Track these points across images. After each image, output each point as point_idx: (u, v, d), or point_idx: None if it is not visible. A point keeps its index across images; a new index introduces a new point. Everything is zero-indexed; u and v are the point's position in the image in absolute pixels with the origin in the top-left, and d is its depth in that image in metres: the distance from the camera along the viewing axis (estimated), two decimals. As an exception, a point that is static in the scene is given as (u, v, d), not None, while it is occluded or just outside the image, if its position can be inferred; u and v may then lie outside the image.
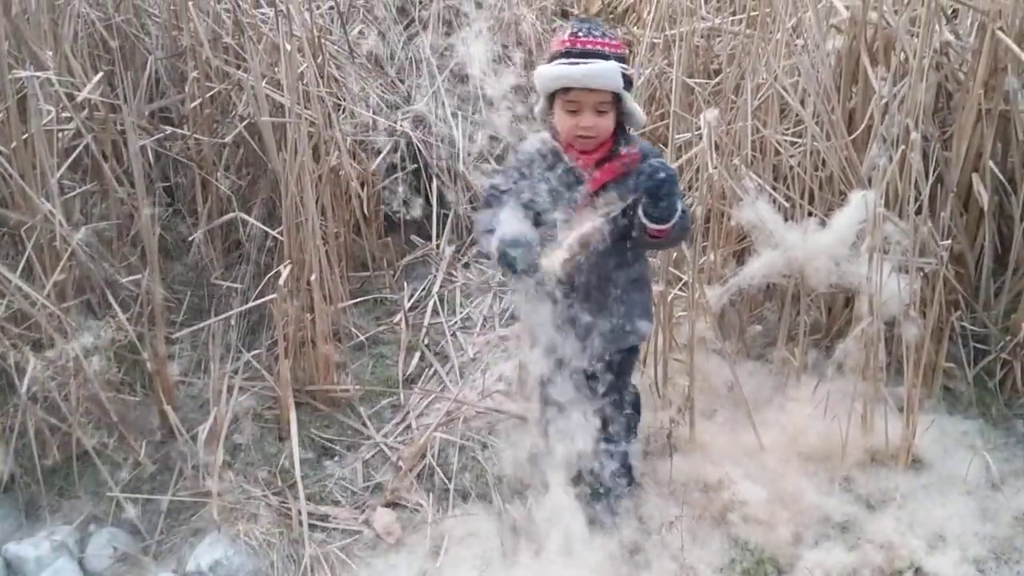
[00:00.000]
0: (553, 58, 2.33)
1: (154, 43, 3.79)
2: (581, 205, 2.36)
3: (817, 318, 3.29)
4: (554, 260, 2.26)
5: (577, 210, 2.35)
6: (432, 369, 3.40)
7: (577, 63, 2.27)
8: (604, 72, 2.27)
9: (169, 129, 3.63)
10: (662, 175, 2.27)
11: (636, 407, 2.79)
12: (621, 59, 2.33)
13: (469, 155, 4.18)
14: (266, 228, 3.40)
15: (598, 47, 2.30)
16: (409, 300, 3.75)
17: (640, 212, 2.31)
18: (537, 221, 2.35)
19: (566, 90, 2.31)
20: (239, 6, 3.57)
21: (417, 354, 3.47)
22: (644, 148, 2.44)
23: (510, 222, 2.26)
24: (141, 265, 3.07)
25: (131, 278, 3.05)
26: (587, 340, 2.46)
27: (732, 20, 3.95)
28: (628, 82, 2.34)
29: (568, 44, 2.30)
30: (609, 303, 2.48)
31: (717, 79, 3.74)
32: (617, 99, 2.33)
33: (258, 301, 3.14)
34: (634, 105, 2.36)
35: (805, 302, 3.10)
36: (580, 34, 2.31)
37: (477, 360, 3.42)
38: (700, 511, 2.74)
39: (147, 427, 3.02)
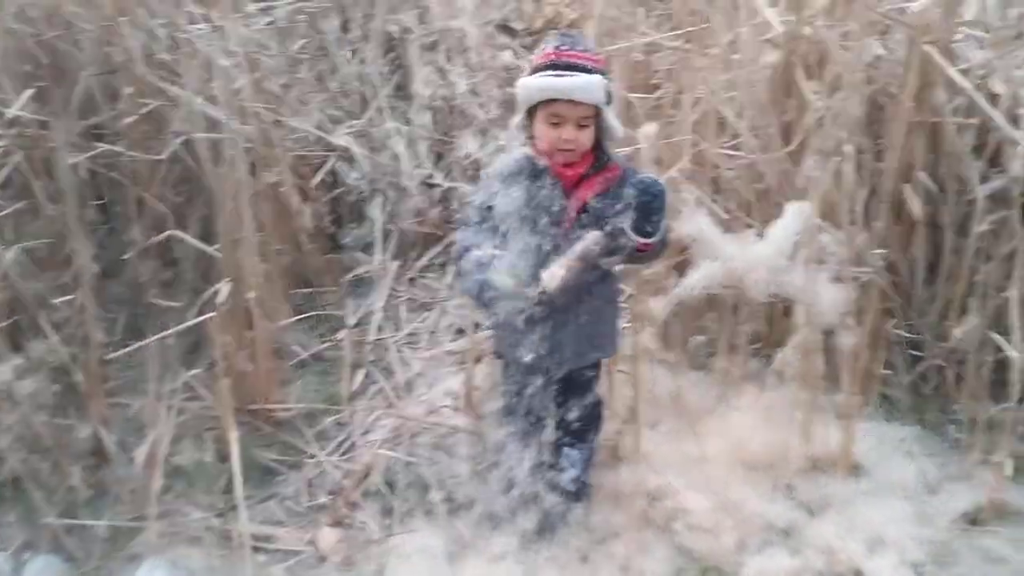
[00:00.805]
0: (536, 70, 2.34)
1: (87, 59, 3.71)
2: (566, 220, 2.39)
3: (757, 328, 3.33)
4: (554, 275, 2.29)
5: (562, 224, 2.38)
6: (377, 385, 3.37)
7: (562, 75, 2.28)
8: (588, 85, 2.29)
9: (102, 146, 3.56)
10: (656, 190, 2.32)
11: (599, 415, 2.81)
12: (603, 73, 2.36)
13: (412, 169, 4.16)
14: (203, 246, 3.34)
15: (582, 60, 2.31)
16: (353, 316, 3.72)
17: (628, 227, 2.34)
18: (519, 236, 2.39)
19: (549, 103, 2.32)
20: (174, 21, 3.52)
21: (362, 371, 3.43)
22: (621, 163, 2.48)
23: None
24: (74, 285, 3.00)
25: (64, 298, 2.98)
26: (555, 353, 2.50)
27: (671, 36, 4.00)
28: (609, 96, 2.36)
29: (553, 57, 2.31)
30: (581, 318, 2.50)
31: (656, 94, 3.78)
32: (598, 113, 2.35)
33: (196, 320, 3.08)
34: (614, 119, 2.39)
35: (745, 312, 3.14)
36: (564, 47, 2.32)
37: (423, 375, 3.40)
38: (645, 521, 2.75)
39: (82, 451, 2.96)
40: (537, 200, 2.37)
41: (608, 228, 2.36)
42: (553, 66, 2.30)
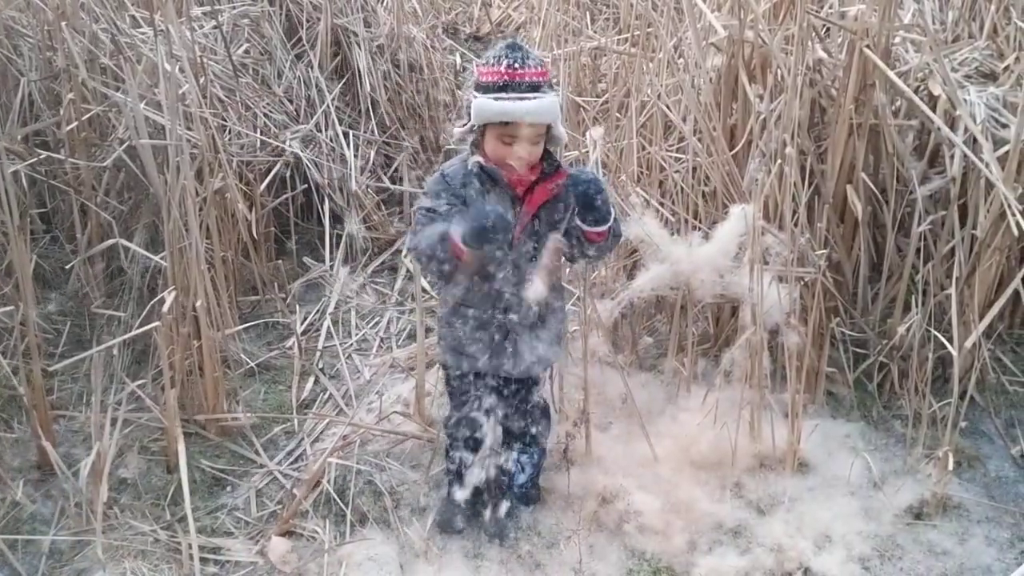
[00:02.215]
0: (488, 89, 2.29)
1: (27, 64, 3.65)
2: (519, 226, 2.40)
3: (705, 328, 3.38)
4: (537, 289, 2.33)
5: (516, 232, 2.39)
6: (327, 393, 3.35)
7: (521, 99, 2.26)
8: (548, 109, 2.29)
9: (44, 153, 3.50)
10: (588, 177, 2.36)
11: (547, 417, 2.82)
12: (553, 86, 2.36)
13: (361, 174, 4.15)
14: (148, 254, 3.29)
15: (535, 78, 2.29)
16: (302, 323, 3.69)
17: (578, 221, 2.38)
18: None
19: (503, 123, 2.31)
20: (116, 26, 3.47)
21: (311, 378, 3.41)
22: (567, 167, 2.50)
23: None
24: (16, 295, 2.94)
25: (4, 309, 2.92)
26: (511, 360, 2.52)
27: (617, 40, 4.03)
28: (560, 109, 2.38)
29: (506, 77, 2.27)
30: (536, 326, 2.52)
31: (603, 97, 3.81)
32: (548, 126, 2.36)
33: (142, 329, 3.03)
34: (560, 127, 2.40)
35: (693, 313, 3.17)
36: (516, 65, 2.28)
37: (373, 382, 3.39)
38: (597, 523, 2.76)
39: (25, 464, 2.90)
40: (493, 206, 2.37)
41: (563, 228, 2.40)
42: (506, 87, 2.27)
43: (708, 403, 3.01)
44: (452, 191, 2.39)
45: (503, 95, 2.27)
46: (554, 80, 2.46)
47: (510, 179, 2.39)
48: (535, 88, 2.29)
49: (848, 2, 3.19)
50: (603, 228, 2.41)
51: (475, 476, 2.62)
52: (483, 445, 2.60)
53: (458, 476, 2.68)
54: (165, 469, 2.94)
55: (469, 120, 2.36)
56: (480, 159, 2.38)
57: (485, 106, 2.29)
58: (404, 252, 3.96)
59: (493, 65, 2.30)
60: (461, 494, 2.65)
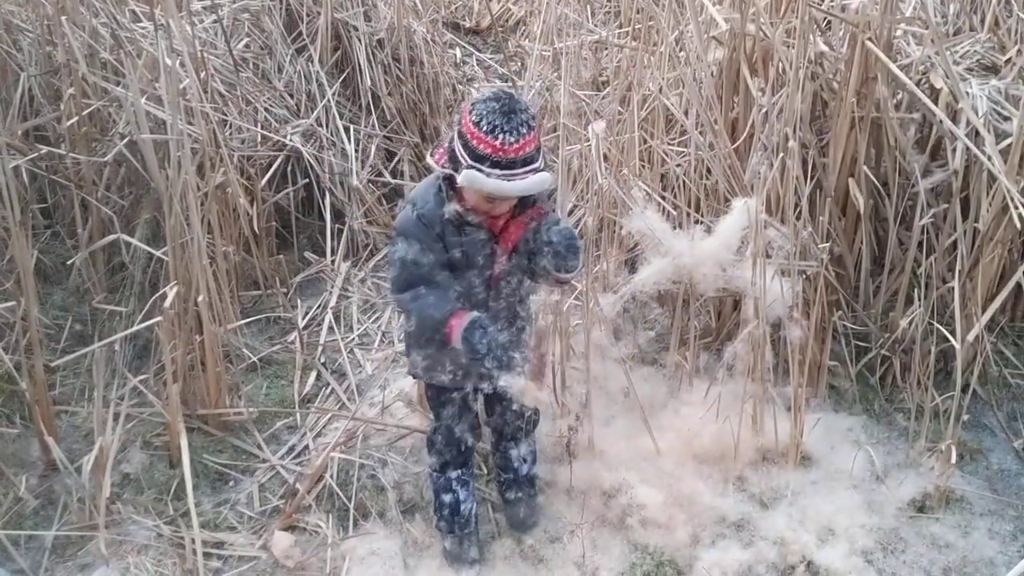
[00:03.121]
0: (480, 160, 2.21)
1: (27, 59, 3.64)
2: (496, 263, 2.40)
3: (707, 322, 3.38)
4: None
5: (493, 268, 2.40)
6: (329, 388, 3.35)
7: (514, 177, 2.21)
8: (539, 185, 2.26)
9: (45, 148, 3.50)
10: (572, 236, 2.32)
11: (535, 411, 2.81)
12: (539, 147, 2.29)
13: (362, 168, 4.14)
14: (150, 249, 3.29)
15: (527, 151, 2.22)
16: (304, 318, 3.69)
17: (552, 269, 2.34)
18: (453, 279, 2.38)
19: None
20: (116, 20, 3.46)
21: (313, 373, 3.41)
22: (541, 199, 2.44)
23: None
24: (17, 291, 2.94)
25: (6, 305, 2.92)
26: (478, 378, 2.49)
27: (618, 33, 4.02)
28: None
29: (500, 154, 2.19)
30: (512, 336, 2.50)
31: (605, 91, 3.80)
32: None
33: (143, 324, 3.04)
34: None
35: (695, 307, 3.17)
36: (512, 140, 2.19)
37: (375, 377, 3.39)
38: (600, 517, 2.77)
39: (28, 460, 2.90)
40: (469, 247, 2.36)
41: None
42: (498, 164, 2.20)
43: (710, 397, 3.01)
44: (432, 236, 2.34)
45: (495, 171, 2.21)
46: (544, 148, 2.39)
47: (486, 221, 2.37)
48: (528, 162, 2.23)
49: (850, -5, 3.18)
50: (573, 275, 2.41)
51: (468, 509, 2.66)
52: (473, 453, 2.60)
53: (452, 518, 2.66)
54: (168, 464, 2.95)
55: (447, 158, 2.30)
56: (458, 208, 2.32)
57: (477, 179, 2.21)
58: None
59: (487, 134, 2.20)
60: (460, 486, 2.65)
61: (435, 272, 2.34)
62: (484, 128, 2.20)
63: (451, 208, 2.32)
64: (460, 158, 2.24)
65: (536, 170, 2.24)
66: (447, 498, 2.64)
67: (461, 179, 2.24)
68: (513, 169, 2.21)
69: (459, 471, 2.65)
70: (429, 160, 2.38)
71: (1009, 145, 2.92)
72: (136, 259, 3.42)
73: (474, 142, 2.21)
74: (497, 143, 2.19)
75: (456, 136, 2.27)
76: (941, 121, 3.02)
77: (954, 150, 3.05)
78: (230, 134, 3.74)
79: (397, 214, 2.47)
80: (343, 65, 4.36)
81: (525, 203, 2.39)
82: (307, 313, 3.73)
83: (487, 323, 2.29)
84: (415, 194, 2.43)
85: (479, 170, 2.20)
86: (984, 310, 2.95)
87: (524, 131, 2.21)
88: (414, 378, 2.73)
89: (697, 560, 2.65)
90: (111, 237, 3.35)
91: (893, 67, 2.98)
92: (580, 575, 2.62)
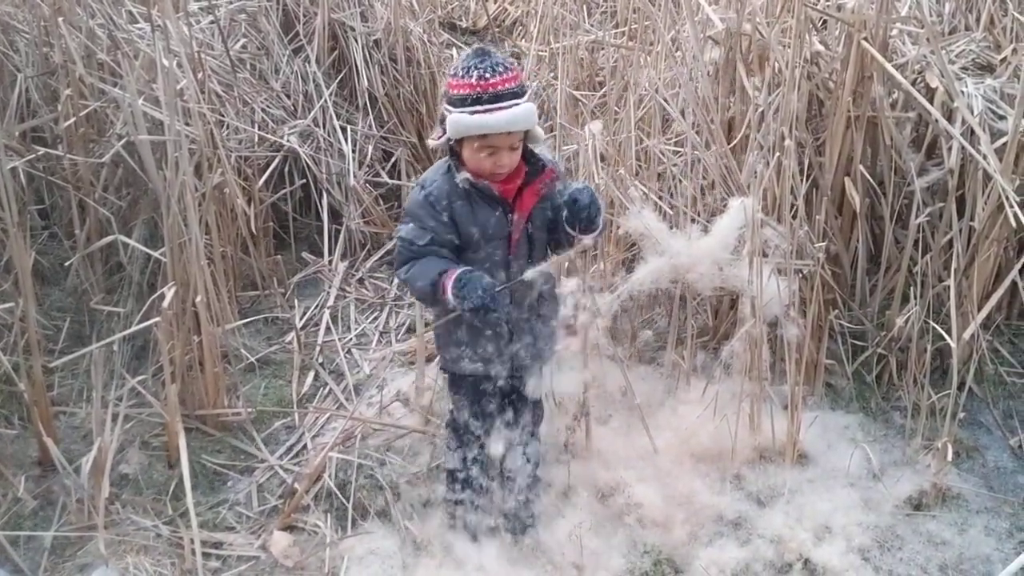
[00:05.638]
0: (461, 103, 2.26)
1: (24, 60, 3.65)
2: (515, 232, 2.40)
3: (704, 321, 3.38)
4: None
5: (512, 238, 2.40)
6: (327, 388, 3.36)
7: (495, 109, 2.24)
8: (525, 116, 2.27)
9: (42, 150, 3.50)
10: (586, 200, 2.32)
11: (543, 409, 2.82)
12: (523, 86, 2.32)
13: (359, 168, 4.14)
14: (148, 249, 3.29)
15: (508, 85, 2.26)
16: (301, 318, 3.69)
17: (573, 229, 2.36)
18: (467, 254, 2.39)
19: (481, 135, 2.28)
20: (113, 21, 3.46)
21: (311, 373, 3.42)
22: (550, 161, 2.46)
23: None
24: (15, 292, 2.95)
25: (4, 306, 2.92)
26: (511, 355, 2.51)
27: (615, 33, 4.03)
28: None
29: (478, 89, 2.24)
30: (536, 326, 2.53)
31: (601, 91, 3.81)
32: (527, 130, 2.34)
33: (142, 325, 3.04)
34: (537, 127, 2.38)
35: (692, 306, 3.18)
36: (487, 76, 2.24)
37: (373, 376, 3.39)
38: (598, 516, 2.77)
39: (26, 461, 2.90)
40: (484, 219, 2.37)
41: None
42: (479, 99, 2.24)
43: (708, 395, 3.02)
44: (437, 214, 2.36)
45: (478, 107, 2.24)
46: (527, 84, 2.42)
47: (499, 188, 2.37)
48: (509, 96, 2.26)
49: (845, -6, 3.19)
50: (596, 232, 2.42)
51: (485, 475, 2.66)
52: (487, 445, 2.61)
53: (470, 477, 2.67)
54: (166, 464, 2.95)
55: (444, 133, 2.33)
56: (468, 176, 2.34)
57: (461, 121, 2.26)
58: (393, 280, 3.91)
59: (463, 77, 2.26)
60: (475, 494, 2.67)
61: (432, 250, 2.36)
62: (460, 73, 2.28)
63: (463, 176, 2.35)
64: (446, 115, 2.29)
65: (520, 104, 2.27)
66: (462, 475, 2.66)
67: (449, 130, 2.28)
68: (496, 103, 2.24)
69: (476, 452, 2.65)
70: (429, 142, 2.43)
71: (1004, 144, 2.93)
72: (134, 260, 3.42)
73: (453, 91, 2.28)
74: (473, 80, 2.25)
75: (443, 103, 2.33)
76: (937, 120, 3.03)
77: (950, 149, 3.06)
78: (227, 135, 3.75)
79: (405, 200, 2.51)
80: (340, 65, 4.36)
81: (535, 167, 2.40)
82: (305, 313, 3.74)
83: (476, 273, 2.29)
84: (425, 176, 2.47)
85: (461, 113, 2.26)
86: (980, 308, 2.96)
87: (500, 69, 2.27)
88: (443, 371, 2.72)
89: (695, 558, 2.66)
90: (109, 238, 3.35)
91: (889, 66, 2.99)
92: (578, 574, 2.62)
